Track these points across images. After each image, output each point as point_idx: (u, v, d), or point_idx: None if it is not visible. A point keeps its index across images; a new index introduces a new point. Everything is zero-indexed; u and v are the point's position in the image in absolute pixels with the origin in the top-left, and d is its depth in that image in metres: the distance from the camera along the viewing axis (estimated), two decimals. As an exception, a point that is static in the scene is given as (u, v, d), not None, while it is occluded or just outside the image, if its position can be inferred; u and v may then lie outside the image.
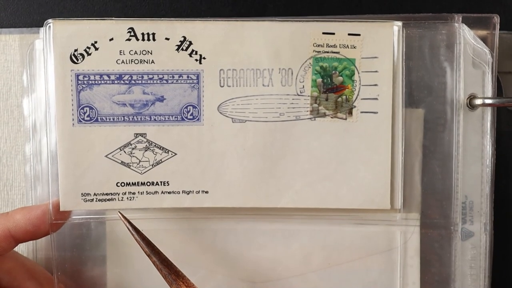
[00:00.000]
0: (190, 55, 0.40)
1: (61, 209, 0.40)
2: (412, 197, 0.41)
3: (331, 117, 0.40)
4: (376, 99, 0.40)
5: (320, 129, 0.40)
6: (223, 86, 0.40)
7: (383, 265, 0.41)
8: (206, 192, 0.40)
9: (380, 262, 0.41)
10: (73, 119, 0.40)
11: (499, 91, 0.41)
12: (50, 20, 0.39)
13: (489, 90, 0.40)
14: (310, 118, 0.40)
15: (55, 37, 0.39)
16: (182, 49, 0.40)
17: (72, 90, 0.40)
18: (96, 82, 0.40)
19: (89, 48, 0.40)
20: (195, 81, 0.40)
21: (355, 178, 0.40)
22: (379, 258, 0.41)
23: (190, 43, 0.40)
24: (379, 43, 0.40)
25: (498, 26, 0.40)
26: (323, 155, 0.40)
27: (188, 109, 0.40)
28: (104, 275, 0.42)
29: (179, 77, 0.40)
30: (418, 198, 0.41)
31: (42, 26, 0.39)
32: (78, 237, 0.41)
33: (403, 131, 0.40)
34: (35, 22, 0.43)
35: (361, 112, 0.40)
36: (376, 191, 0.40)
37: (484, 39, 0.40)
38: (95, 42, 0.40)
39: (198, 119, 0.40)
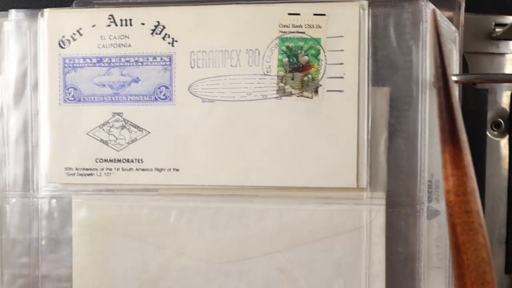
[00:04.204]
0: (163, 38, 0.38)
1: (48, 181, 0.39)
2: (377, 176, 0.37)
3: (297, 96, 0.37)
4: (342, 77, 0.37)
5: (286, 108, 0.37)
6: (193, 68, 0.38)
7: (349, 244, 0.37)
8: (177, 170, 0.38)
9: (346, 241, 0.37)
10: (59, 99, 0.39)
11: (465, 70, 0.37)
12: (45, 10, 0.39)
13: (455, 68, 0.36)
14: (277, 97, 0.37)
15: (48, 25, 0.39)
16: (156, 33, 0.38)
17: (59, 73, 0.39)
18: (80, 65, 0.39)
19: (74, 34, 0.39)
20: (167, 63, 0.38)
21: (321, 156, 0.37)
22: (345, 237, 0.37)
23: (163, 27, 0.38)
24: (345, 22, 0.36)
25: (463, 5, 0.36)
26: (289, 134, 0.37)
27: (161, 90, 0.38)
28: (70, 256, 0.39)
29: (153, 59, 0.38)
30: (383, 176, 0.37)
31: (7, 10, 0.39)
32: (45, 217, 0.39)
33: (369, 110, 0.36)
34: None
35: (327, 90, 0.37)
36: (342, 169, 0.37)
37: (450, 20, 0.36)
38: (80, 28, 0.39)
39: (170, 99, 0.38)
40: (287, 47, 0.37)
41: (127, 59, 0.38)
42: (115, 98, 0.38)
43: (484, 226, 0.23)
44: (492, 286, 0.23)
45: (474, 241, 0.23)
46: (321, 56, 0.36)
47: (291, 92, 0.37)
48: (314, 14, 0.36)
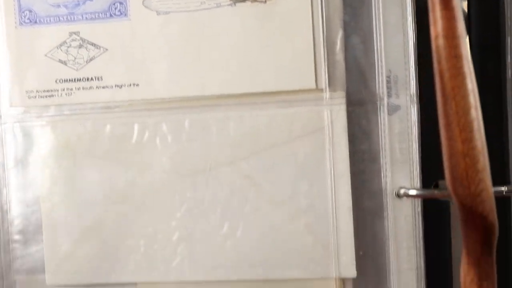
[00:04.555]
0: (115, -47, 0.38)
1: (10, 105, 0.39)
2: (336, 75, 0.36)
3: (251, 2, 0.37)
4: (294, -21, 0.37)
5: (240, 14, 0.37)
6: (147, -19, 0.38)
7: (312, 146, 0.37)
8: (137, 85, 0.38)
9: (309, 143, 0.37)
10: (15, 22, 0.39)
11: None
12: None
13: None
14: (230, 4, 0.37)
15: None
16: (108, -51, 0.38)
17: (14, -3, 0.39)
18: (34, -12, 0.39)
19: (26, -43, 0.39)
20: (121, -22, 0.38)
21: (279, 60, 0.36)
22: (307, 139, 0.37)
23: None
24: None
25: None
26: (245, 40, 0.37)
27: (116, 6, 0.38)
28: (36, 179, 0.39)
29: (106, -25, 0.38)
30: (342, 75, 0.36)
31: None
32: (9, 143, 0.39)
33: (323, 9, 0.36)
34: None
35: (281, -6, 0.37)
36: (300, 71, 0.36)
37: None
38: (31, -49, 0.39)
39: (125, 15, 0.38)
40: (238, -48, 0.36)
41: (81, -23, 0.38)
42: (70, 18, 0.38)
43: (472, 72, 0.23)
44: (480, 133, 0.23)
45: (462, 86, 0.22)
46: (273, -40, 0.36)
47: (245, -2, 0.36)
48: None
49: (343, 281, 0.36)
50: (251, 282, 0.37)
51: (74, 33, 0.38)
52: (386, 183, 0.36)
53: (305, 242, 0.37)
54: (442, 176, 0.36)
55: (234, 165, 0.37)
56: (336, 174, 0.36)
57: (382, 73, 0.36)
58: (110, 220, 0.38)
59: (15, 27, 0.38)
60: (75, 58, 0.38)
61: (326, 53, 0.36)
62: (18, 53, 0.38)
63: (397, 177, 0.36)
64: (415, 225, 0.36)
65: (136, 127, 0.38)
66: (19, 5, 0.38)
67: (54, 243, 0.39)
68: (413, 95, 0.35)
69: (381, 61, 0.36)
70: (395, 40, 0.36)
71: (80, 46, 0.38)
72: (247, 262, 0.37)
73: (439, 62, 0.22)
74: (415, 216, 0.36)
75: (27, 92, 0.38)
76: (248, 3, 0.36)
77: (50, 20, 0.38)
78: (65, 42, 0.38)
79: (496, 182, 0.36)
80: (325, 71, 0.36)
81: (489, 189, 0.23)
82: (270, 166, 0.37)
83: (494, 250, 0.24)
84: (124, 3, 0.37)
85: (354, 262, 0.36)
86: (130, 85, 0.38)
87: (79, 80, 0.38)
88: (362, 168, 0.36)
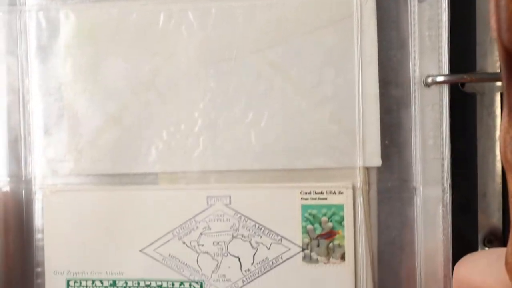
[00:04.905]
0: None
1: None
2: (366, -38, 0.36)
3: None
4: None
5: None
6: None
7: (339, 33, 0.36)
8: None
9: (337, 30, 0.36)
10: None
11: None
12: None
13: None
14: None
15: None
16: None
17: None
18: None
19: None
20: None
21: None
22: (335, 26, 0.36)
23: None
24: None
25: None
26: None
27: None
28: (59, 66, 0.38)
29: None
30: (372, -38, 0.36)
31: None
32: (33, 30, 0.38)
33: None
34: None
35: None
36: (330, -42, 0.36)
37: None
38: None
39: None
40: None
41: None
42: None
43: None
44: None
45: None
46: None
47: None
48: None
49: (367, 170, 0.36)
50: (275, 171, 0.37)
51: None
52: (414, 71, 0.35)
53: (330, 130, 0.36)
54: (469, 67, 0.36)
55: (260, 53, 0.37)
56: (363, 62, 0.36)
57: (413, -39, 0.35)
58: (133, 109, 0.38)
59: None
60: None
61: None
62: None
63: (425, 65, 0.35)
64: (442, 114, 0.35)
65: (162, 15, 0.37)
66: None
67: (76, 131, 0.38)
68: (444, -19, 0.35)
69: None
70: None
71: None
72: (271, 151, 0.37)
73: None
74: (442, 105, 0.35)
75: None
76: None
77: None
78: None
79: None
80: (355, -43, 0.35)
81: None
82: (297, 54, 0.36)
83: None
84: None
85: (379, 151, 0.36)
86: (156, -29, 0.37)
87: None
88: (389, 56, 0.36)
